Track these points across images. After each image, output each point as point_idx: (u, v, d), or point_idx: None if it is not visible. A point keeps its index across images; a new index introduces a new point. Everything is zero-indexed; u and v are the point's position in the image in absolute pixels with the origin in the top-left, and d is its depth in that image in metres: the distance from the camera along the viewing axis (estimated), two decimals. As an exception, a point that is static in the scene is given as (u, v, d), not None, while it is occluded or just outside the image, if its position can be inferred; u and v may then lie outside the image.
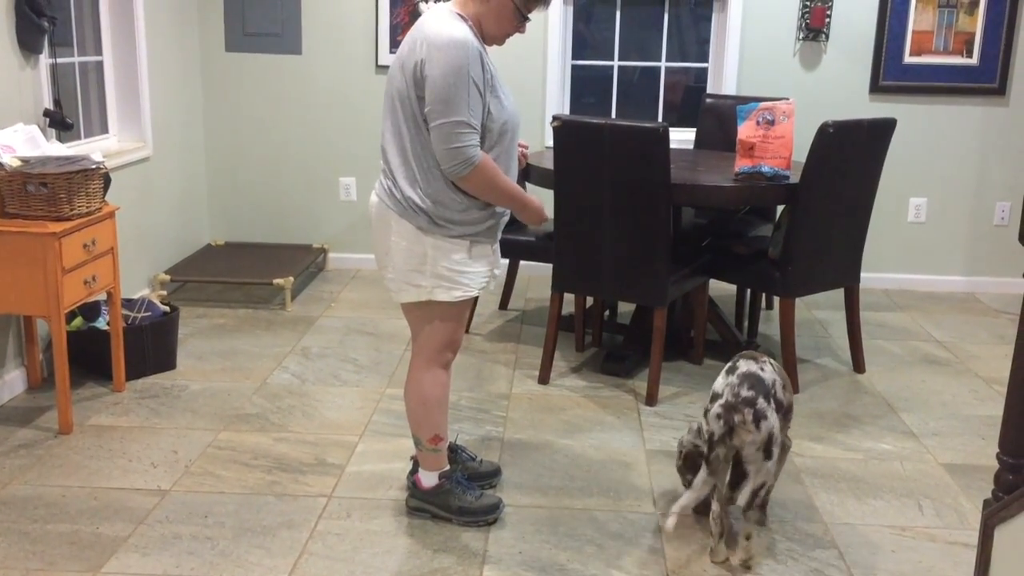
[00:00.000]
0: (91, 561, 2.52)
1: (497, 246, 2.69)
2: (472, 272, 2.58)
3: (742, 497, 2.44)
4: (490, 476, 2.99)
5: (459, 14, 2.48)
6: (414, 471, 2.83)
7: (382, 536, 2.70)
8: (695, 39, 5.45)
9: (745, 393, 2.40)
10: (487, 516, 2.77)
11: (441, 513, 2.78)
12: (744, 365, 2.48)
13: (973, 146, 5.22)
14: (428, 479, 2.78)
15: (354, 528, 2.74)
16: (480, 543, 2.67)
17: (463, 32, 2.41)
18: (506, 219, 2.67)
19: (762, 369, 2.48)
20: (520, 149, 2.76)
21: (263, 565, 2.54)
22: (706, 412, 2.42)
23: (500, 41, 2.57)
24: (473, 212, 2.53)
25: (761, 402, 2.40)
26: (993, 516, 2.04)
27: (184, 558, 2.56)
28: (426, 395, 2.68)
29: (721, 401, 2.40)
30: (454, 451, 2.96)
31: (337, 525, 2.75)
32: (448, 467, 2.80)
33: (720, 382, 2.46)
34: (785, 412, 2.55)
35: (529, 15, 2.54)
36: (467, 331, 4.44)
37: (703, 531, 2.76)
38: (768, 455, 2.42)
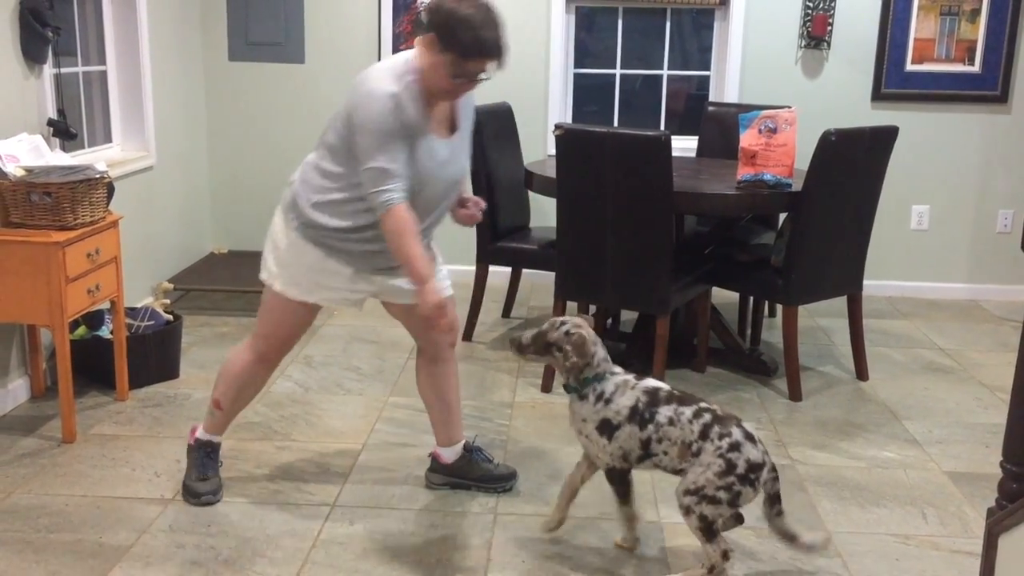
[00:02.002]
0: (95, 570, 2.52)
1: (383, 279, 2.74)
2: (319, 279, 2.68)
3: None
4: (506, 479, 3.01)
5: (406, 67, 2.53)
6: (433, 469, 3.01)
7: (386, 544, 2.70)
8: (697, 47, 5.46)
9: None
10: (506, 483, 2.97)
11: (461, 482, 2.98)
12: (738, 432, 2.46)
13: (975, 153, 5.22)
14: (449, 454, 2.97)
15: (357, 537, 2.73)
16: (483, 551, 2.67)
17: (387, 86, 2.47)
18: (387, 260, 2.69)
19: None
20: (469, 210, 2.77)
21: (266, 574, 2.54)
22: (754, 481, 2.42)
23: (444, 97, 2.57)
24: (346, 229, 2.62)
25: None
26: (997, 524, 2.03)
27: (187, 567, 2.55)
28: (228, 367, 2.86)
29: (768, 468, 2.45)
30: (470, 452, 2.99)
31: (340, 534, 2.75)
32: (221, 436, 2.95)
33: (754, 452, 2.43)
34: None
35: (465, 76, 2.49)
36: (469, 339, 4.44)
37: (706, 540, 2.76)
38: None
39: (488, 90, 5.14)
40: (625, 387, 2.51)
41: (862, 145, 3.69)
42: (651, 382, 2.53)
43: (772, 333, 4.59)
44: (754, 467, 2.41)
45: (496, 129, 4.43)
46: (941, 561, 2.70)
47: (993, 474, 3.15)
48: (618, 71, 5.41)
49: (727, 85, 5.19)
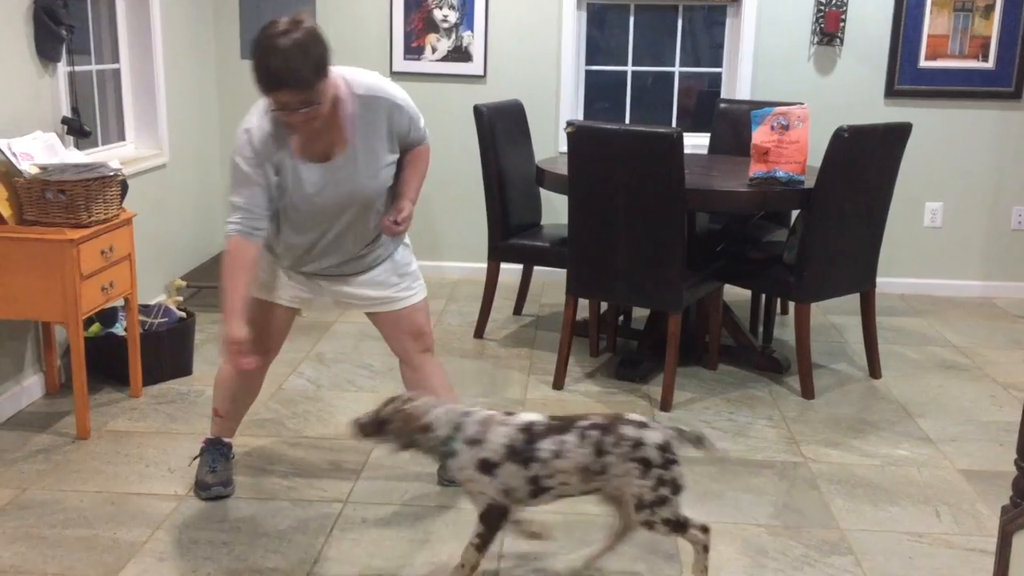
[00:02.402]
0: (109, 566, 2.54)
1: (328, 284, 2.81)
2: (270, 278, 2.77)
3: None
4: None
5: None
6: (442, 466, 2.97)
7: (397, 542, 2.71)
8: (709, 44, 5.45)
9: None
10: None
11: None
12: (629, 428, 2.40)
13: (989, 150, 5.20)
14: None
15: (369, 534, 2.74)
16: (495, 548, 2.67)
17: (247, 121, 2.53)
18: (313, 261, 2.74)
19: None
20: (386, 221, 2.71)
21: (279, 570, 2.55)
22: (676, 459, 2.38)
23: (291, 130, 2.51)
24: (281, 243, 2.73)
25: None
26: (1011, 523, 2.02)
27: (201, 563, 2.57)
28: (219, 375, 2.94)
29: (676, 435, 2.41)
30: None
31: (352, 530, 2.76)
32: (228, 438, 3.00)
33: (655, 434, 2.37)
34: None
35: (276, 107, 2.42)
36: (481, 336, 4.45)
37: (720, 539, 2.75)
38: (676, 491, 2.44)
39: (500, 88, 5.18)
40: (491, 422, 2.39)
41: (875, 142, 3.68)
42: (524, 417, 2.42)
43: (784, 331, 4.57)
44: (665, 447, 2.34)
45: (508, 126, 4.43)
46: (955, 559, 2.69)
47: (1007, 472, 3.13)
48: (630, 68, 5.40)
49: (739, 82, 5.18)
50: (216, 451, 2.96)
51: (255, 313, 2.75)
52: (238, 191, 2.55)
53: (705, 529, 2.41)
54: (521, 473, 2.33)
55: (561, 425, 2.38)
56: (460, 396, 3.06)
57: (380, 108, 2.57)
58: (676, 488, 2.36)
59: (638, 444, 2.32)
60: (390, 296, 2.84)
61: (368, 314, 2.91)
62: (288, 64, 2.33)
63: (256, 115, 2.54)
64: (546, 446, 2.33)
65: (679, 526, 2.39)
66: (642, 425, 2.37)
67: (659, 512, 2.35)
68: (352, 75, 2.55)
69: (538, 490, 2.37)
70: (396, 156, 2.66)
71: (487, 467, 2.34)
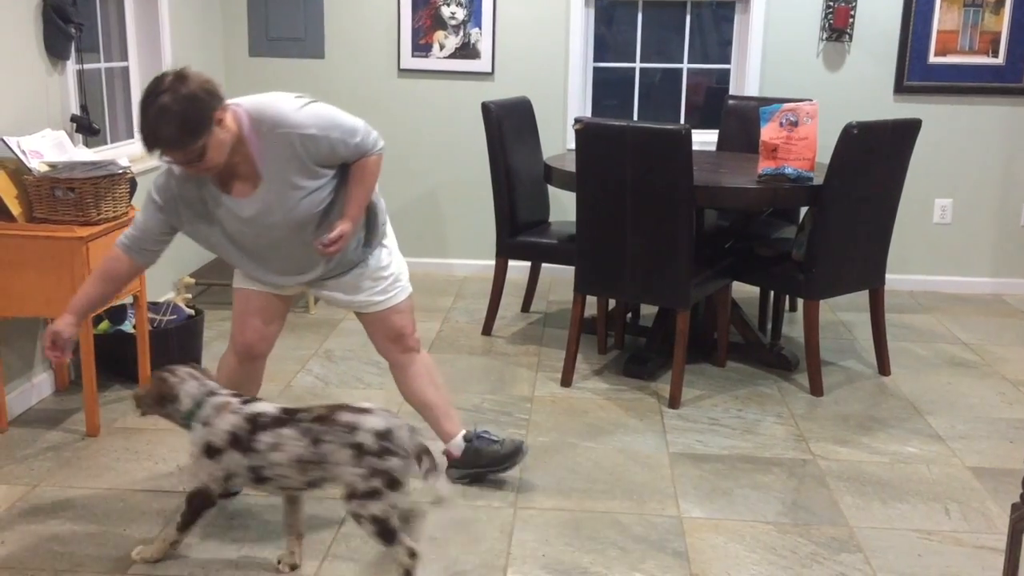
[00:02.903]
0: (118, 562, 2.55)
1: (300, 282, 2.81)
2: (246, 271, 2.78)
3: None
4: (513, 455, 3.00)
5: None
6: (450, 466, 2.98)
7: (406, 538, 2.71)
8: (717, 40, 5.43)
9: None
10: (515, 458, 2.98)
11: (476, 471, 2.99)
12: (347, 414, 2.41)
13: (999, 146, 5.17)
14: (457, 447, 2.99)
15: (378, 530, 2.74)
16: (503, 546, 2.68)
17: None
18: (273, 275, 2.74)
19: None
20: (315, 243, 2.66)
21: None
22: (392, 449, 2.36)
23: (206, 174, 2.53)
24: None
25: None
26: (1021, 520, 2.02)
27: (210, 560, 2.57)
28: (220, 373, 2.89)
29: (401, 427, 2.39)
30: (471, 440, 3.00)
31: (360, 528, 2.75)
32: None
33: (376, 420, 2.37)
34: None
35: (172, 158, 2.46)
36: (489, 334, 4.45)
37: (729, 537, 2.75)
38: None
39: (508, 85, 5.17)
40: (223, 409, 2.42)
41: (884, 138, 3.67)
42: (257, 406, 2.44)
43: (793, 328, 4.57)
44: (383, 434, 2.31)
45: (515, 124, 4.43)
46: (964, 557, 2.68)
47: (1017, 469, 3.13)
48: (638, 65, 5.39)
49: (748, 78, 5.17)
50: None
51: (246, 301, 2.81)
52: (142, 213, 2.62)
53: (413, 554, 2.34)
54: (242, 462, 2.39)
55: (285, 419, 2.41)
56: (448, 395, 3.05)
57: (287, 141, 2.50)
58: (392, 483, 2.30)
59: (353, 428, 2.32)
60: (364, 300, 2.83)
61: (356, 314, 2.92)
62: (156, 128, 2.36)
63: (164, 172, 2.60)
64: (265, 439, 2.38)
65: (387, 533, 2.32)
66: (363, 411, 2.36)
67: (368, 506, 2.30)
68: (258, 110, 2.50)
69: (259, 479, 2.42)
70: (323, 180, 2.59)
71: (211, 451, 2.41)
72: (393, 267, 2.87)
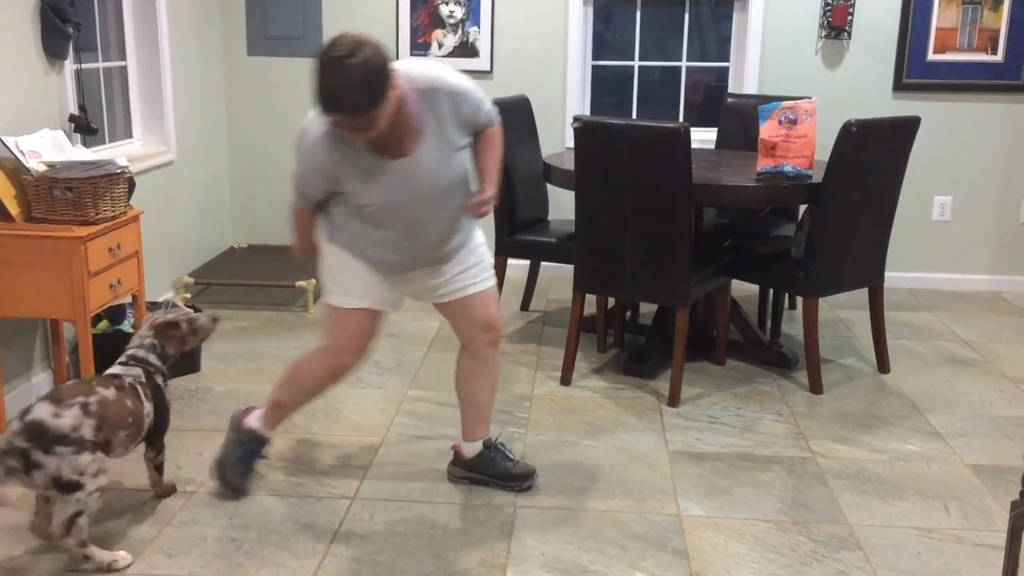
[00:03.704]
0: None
1: (402, 279, 2.78)
2: (363, 284, 2.72)
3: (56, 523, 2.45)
4: (525, 478, 2.99)
5: None
6: (455, 463, 3.01)
7: (405, 538, 2.71)
8: (716, 38, 5.43)
9: (21, 444, 2.37)
10: (525, 482, 2.97)
11: (481, 478, 2.98)
12: (35, 411, 2.41)
13: (998, 143, 5.17)
14: (471, 448, 2.98)
15: (377, 529, 2.75)
16: (503, 544, 2.68)
17: (311, 120, 2.52)
18: (402, 253, 2.71)
19: (56, 416, 2.40)
20: (472, 203, 2.69)
21: (287, 566, 2.55)
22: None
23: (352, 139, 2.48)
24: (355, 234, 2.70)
25: (36, 453, 2.36)
26: (1021, 517, 2.02)
27: (209, 559, 2.57)
28: (301, 376, 2.87)
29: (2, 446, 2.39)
30: (490, 449, 2.98)
31: (360, 526, 2.76)
32: (270, 433, 2.96)
33: (15, 424, 2.41)
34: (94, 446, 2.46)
35: (335, 125, 2.42)
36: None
37: (728, 535, 2.75)
38: (69, 489, 2.40)
39: (506, 83, 5.17)
40: None
41: (883, 136, 3.67)
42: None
43: (792, 325, 4.56)
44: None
45: (514, 122, 4.42)
46: (964, 554, 2.68)
47: (1016, 467, 3.13)
48: (636, 63, 5.39)
49: (747, 76, 5.17)
50: (256, 447, 2.94)
51: (344, 320, 2.75)
52: (298, 193, 2.68)
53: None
54: None
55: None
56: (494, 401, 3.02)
57: (445, 100, 2.56)
58: None
59: None
60: (467, 282, 2.81)
61: (439, 305, 2.86)
62: (340, 93, 2.31)
63: (315, 131, 2.52)
64: None
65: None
66: None
67: None
68: (413, 70, 2.53)
69: None
70: (467, 142, 2.66)
71: None
72: (489, 255, 2.90)
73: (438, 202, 2.64)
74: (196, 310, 4.02)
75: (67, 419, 2.41)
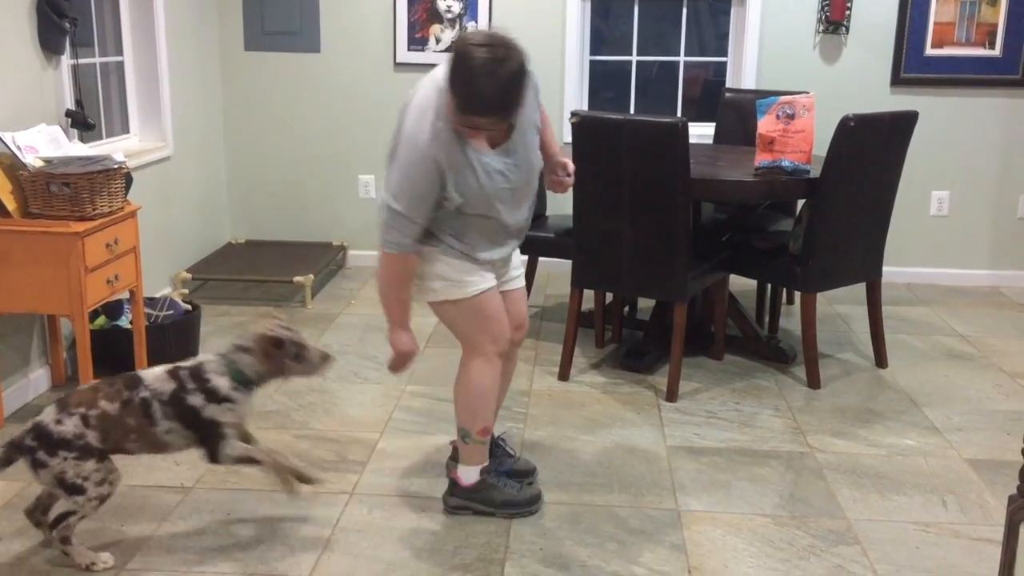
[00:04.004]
0: (116, 559, 2.54)
1: (501, 253, 2.71)
2: (471, 269, 2.62)
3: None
4: (525, 474, 2.97)
5: (440, 97, 2.41)
6: (453, 458, 2.90)
7: (404, 533, 2.71)
8: (714, 33, 5.43)
9: (28, 443, 2.41)
10: (531, 507, 2.81)
11: (484, 508, 2.79)
12: (43, 414, 2.43)
13: (996, 138, 5.17)
14: (469, 475, 2.79)
15: (375, 525, 2.75)
16: (501, 539, 2.68)
17: (421, 126, 2.39)
18: (509, 246, 2.68)
19: (59, 422, 2.40)
20: (558, 176, 2.73)
21: (285, 562, 2.55)
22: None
23: (468, 136, 2.43)
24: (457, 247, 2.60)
25: (41, 453, 2.39)
26: (1018, 512, 2.02)
27: (208, 555, 2.57)
28: (476, 382, 2.71)
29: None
30: (495, 444, 2.96)
31: (358, 522, 2.76)
32: (487, 462, 2.82)
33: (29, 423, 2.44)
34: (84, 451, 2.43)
35: (467, 124, 2.38)
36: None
37: (726, 530, 2.75)
38: (72, 490, 2.41)
39: (504, 78, 5.16)
40: None
41: (881, 131, 3.66)
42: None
43: (790, 320, 4.57)
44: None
45: (512, 117, 4.41)
46: (961, 549, 2.68)
47: (1014, 461, 3.13)
48: (634, 58, 5.38)
49: (744, 71, 5.16)
50: (499, 476, 2.83)
51: (486, 307, 2.66)
52: (414, 206, 2.45)
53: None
54: None
55: None
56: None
57: (529, 85, 2.53)
58: None
59: None
60: (512, 275, 2.80)
61: (506, 296, 2.79)
62: (502, 96, 2.31)
63: (430, 119, 2.41)
64: None
65: None
66: None
67: None
68: None
69: None
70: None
71: None
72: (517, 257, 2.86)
73: (528, 184, 2.63)
74: (194, 306, 4.04)
75: (68, 426, 2.40)
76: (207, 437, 2.49)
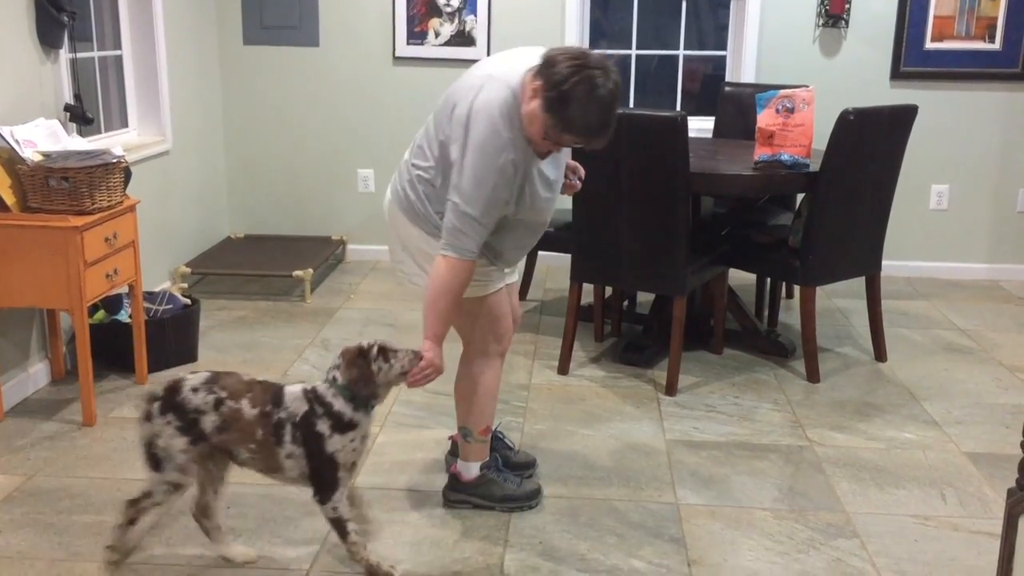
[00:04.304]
0: (116, 551, 2.54)
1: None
2: (487, 271, 2.61)
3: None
4: (525, 467, 2.98)
5: (514, 102, 2.35)
6: (452, 453, 2.90)
7: (403, 526, 2.71)
8: (713, 27, 5.42)
9: (158, 392, 2.36)
10: (530, 501, 2.81)
11: (484, 503, 2.79)
12: (191, 376, 2.38)
13: (996, 132, 5.17)
14: (469, 471, 2.79)
15: (375, 518, 2.75)
16: (501, 533, 2.68)
17: (501, 139, 2.33)
18: (529, 247, 2.69)
19: (195, 390, 2.33)
20: (569, 180, 2.76)
21: (285, 555, 2.55)
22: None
23: (535, 146, 2.39)
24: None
25: (155, 407, 2.33)
26: (1017, 505, 2.02)
27: (207, 547, 2.57)
28: (481, 383, 2.71)
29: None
30: (493, 438, 2.95)
31: (358, 515, 2.76)
32: (487, 458, 2.82)
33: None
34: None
35: (557, 142, 2.36)
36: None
37: (725, 523, 2.76)
38: (152, 460, 2.35)
39: (503, 72, 5.15)
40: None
41: (881, 124, 3.66)
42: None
43: (789, 314, 4.57)
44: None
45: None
46: (960, 542, 2.69)
47: (1013, 455, 3.13)
48: (634, 51, 5.37)
49: (744, 65, 5.15)
50: (499, 472, 2.82)
51: (494, 306, 2.65)
52: (488, 211, 2.37)
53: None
54: None
55: None
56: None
57: None
58: None
59: None
60: (511, 268, 2.80)
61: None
62: (609, 122, 2.33)
63: (507, 124, 2.34)
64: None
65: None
66: None
67: None
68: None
69: None
70: None
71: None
72: None
73: (557, 191, 2.64)
74: (193, 300, 4.04)
75: (198, 399, 2.31)
76: (320, 472, 2.35)
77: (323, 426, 2.32)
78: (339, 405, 2.33)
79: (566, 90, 2.25)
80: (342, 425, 2.33)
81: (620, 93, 2.32)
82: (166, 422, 2.31)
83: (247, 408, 2.33)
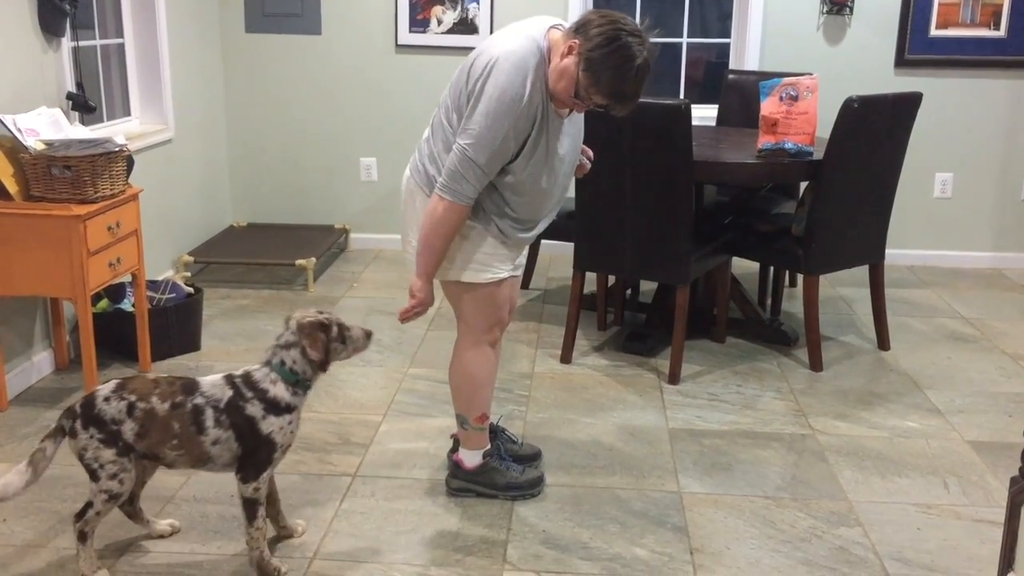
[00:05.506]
0: (120, 540, 2.56)
1: (520, 248, 2.72)
2: (499, 255, 2.61)
3: None
4: (531, 459, 2.98)
5: (540, 55, 2.38)
6: (454, 451, 2.87)
7: (406, 515, 2.72)
8: (717, 14, 5.40)
9: (76, 408, 2.35)
10: (533, 489, 2.82)
11: (487, 491, 2.80)
12: (102, 387, 2.37)
13: (1000, 120, 5.15)
14: (471, 459, 2.80)
15: (379, 507, 2.76)
16: (503, 521, 2.68)
17: (517, 80, 2.34)
18: (542, 225, 2.69)
19: (107, 400, 2.32)
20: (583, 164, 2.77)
21: (289, 543, 2.56)
22: None
23: (554, 101, 2.42)
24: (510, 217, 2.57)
25: (78, 423, 2.32)
26: (1020, 493, 2.02)
27: (211, 536, 2.58)
28: (472, 373, 2.71)
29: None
30: (494, 433, 2.94)
31: (362, 504, 2.77)
32: (489, 445, 2.82)
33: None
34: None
35: (586, 101, 2.38)
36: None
37: (728, 512, 2.76)
38: (88, 473, 2.34)
39: (506, 60, 5.13)
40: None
41: (885, 112, 3.65)
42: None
43: (793, 303, 4.56)
44: None
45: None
46: (963, 530, 2.69)
47: (1016, 443, 3.13)
48: (637, 39, 5.34)
49: (748, 52, 5.13)
50: (502, 460, 2.83)
51: (495, 294, 2.64)
52: (493, 159, 2.40)
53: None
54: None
55: None
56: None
57: None
58: None
59: None
60: (521, 260, 2.79)
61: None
62: (640, 87, 2.40)
63: (530, 76, 2.35)
64: None
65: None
66: None
67: None
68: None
69: None
70: None
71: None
72: None
73: (575, 155, 2.64)
74: (196, 289, 4.04)
75: (112, 409, 2.32)
76: (254, 454, 2.33)
77: (254, 409, 2.31)
78: (276, 391, 2.34)
79: (607, 51, 2.31)
80: (278, 408, 2.33)
81: (649, 61, 2.38)
82: (89, 436, 2.32)
83: (157, 404, 2.31)
